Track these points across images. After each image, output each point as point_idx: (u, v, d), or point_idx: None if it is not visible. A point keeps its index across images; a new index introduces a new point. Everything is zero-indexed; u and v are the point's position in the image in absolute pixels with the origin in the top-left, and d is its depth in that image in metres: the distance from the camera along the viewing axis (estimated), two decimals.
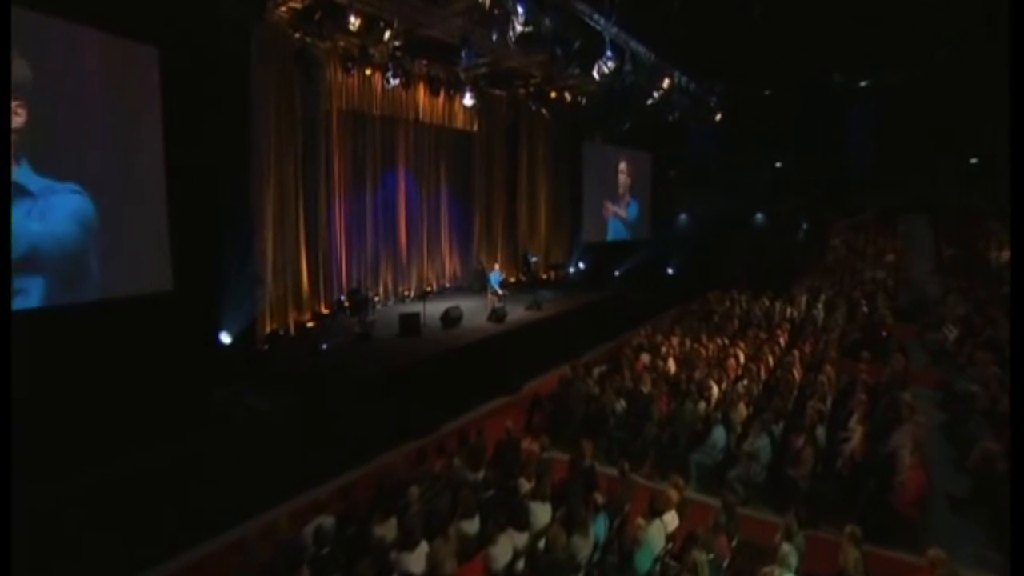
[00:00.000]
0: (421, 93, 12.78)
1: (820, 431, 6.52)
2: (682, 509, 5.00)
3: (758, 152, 20.97)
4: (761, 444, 6.26)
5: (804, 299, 14.53)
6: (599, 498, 4.97)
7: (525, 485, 5.38)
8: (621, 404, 7.73)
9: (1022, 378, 4.02)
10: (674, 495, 4.97)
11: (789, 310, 13.70)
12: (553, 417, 8.01)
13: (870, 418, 6.76)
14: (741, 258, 19.10)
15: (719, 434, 6.70)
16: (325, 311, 11.09)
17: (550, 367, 10.68)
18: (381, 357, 8.71)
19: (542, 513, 4.92)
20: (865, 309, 13.55)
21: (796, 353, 9.44)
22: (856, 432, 6.36)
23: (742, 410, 7.33)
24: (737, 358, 9.32)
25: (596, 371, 9.16)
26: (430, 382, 8.46)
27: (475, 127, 14.46)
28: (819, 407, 6.93)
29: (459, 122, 13.94)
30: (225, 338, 8.06)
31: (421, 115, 12.89)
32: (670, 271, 19.56)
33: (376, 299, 12.33)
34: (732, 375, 8.72)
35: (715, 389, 8.01)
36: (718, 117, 15.39)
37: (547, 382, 9.70)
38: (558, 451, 7.33)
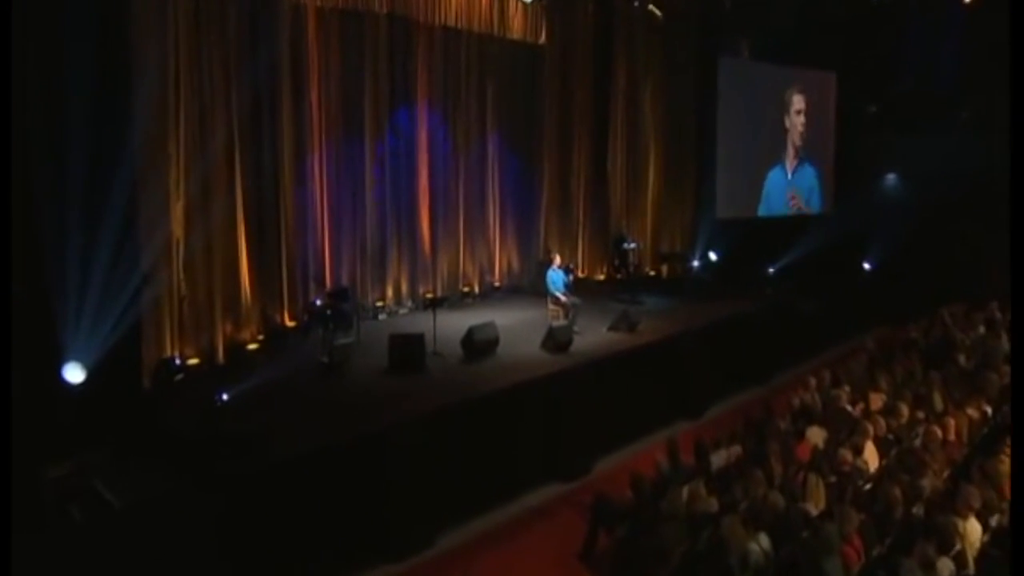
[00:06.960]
0: None
1: None
2: None
3: None
4: None
5: None
6: None
7: None
8: (763, 543, 5.61)
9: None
10: None
11: None
12: (628, 552, 6.13)
13: None
14: (1003, 247, 16.08)
15: None
16: (290, 324, 10.12)
17: (642, 435, 9.52)
18: (342, 412, 7.54)
19: None
20: None
21: None
22: None
23: None
24: None
25: (716, 458, 7.14)
26: (421, 458, 7.18)
27: (542, 37, 13.24)
28: None
29: (516, 29, 12.79)
30: (74, 373, 6.95)
31: (455, 17, 11.75)
32: (867, 267, 17.49)
33: (379, 306, 11.42)
34: (1005, 491, 6.17)
35: (974, 525, 5.61)
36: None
37: (634, 462, 8.49)
38: None
